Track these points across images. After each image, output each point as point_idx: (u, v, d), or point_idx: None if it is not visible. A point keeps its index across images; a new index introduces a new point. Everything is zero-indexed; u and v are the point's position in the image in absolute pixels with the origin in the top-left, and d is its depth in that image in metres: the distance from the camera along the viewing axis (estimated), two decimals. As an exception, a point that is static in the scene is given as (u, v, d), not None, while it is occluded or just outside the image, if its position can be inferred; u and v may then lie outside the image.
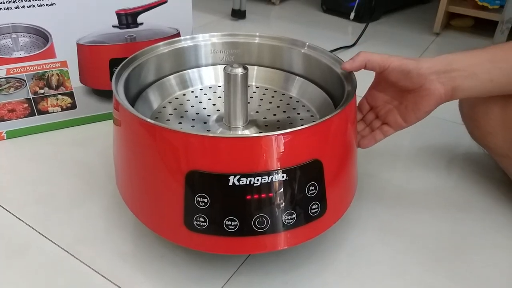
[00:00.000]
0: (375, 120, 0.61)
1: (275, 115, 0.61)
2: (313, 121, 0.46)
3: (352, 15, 1.31)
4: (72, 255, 0.54)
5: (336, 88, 0.58)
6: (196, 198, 0.45)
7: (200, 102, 0.63)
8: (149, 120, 0.45)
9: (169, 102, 0.63)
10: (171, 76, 0.64)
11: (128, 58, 0.58)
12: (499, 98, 0.58)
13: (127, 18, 0.72)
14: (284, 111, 0.61)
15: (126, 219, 0.58)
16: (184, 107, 0.62)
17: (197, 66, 0.66)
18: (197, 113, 0.60)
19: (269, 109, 0.62)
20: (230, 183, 0.44)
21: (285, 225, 0.47)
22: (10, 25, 0.65)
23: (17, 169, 0.68)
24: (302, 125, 0.57)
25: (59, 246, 0.55)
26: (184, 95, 0.64)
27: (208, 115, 0.60)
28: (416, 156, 0.73)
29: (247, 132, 0.56)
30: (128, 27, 0.73)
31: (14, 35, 0.66)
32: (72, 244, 0.55)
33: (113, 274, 0.51)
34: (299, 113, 0.61)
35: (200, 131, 0.53)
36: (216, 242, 0.47)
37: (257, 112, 0.61)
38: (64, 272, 0.52)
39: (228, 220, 0.45)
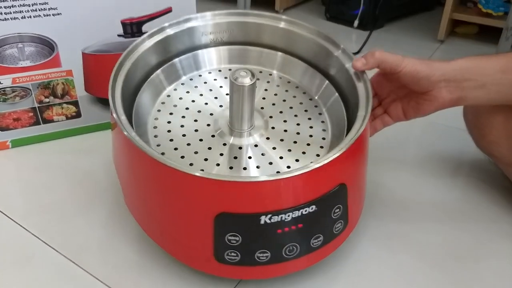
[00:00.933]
0: (378, 108, 0.60)
1: (285, 121, 0.58)
2: (339, 149, 0.45)
3: (356, 22, 1.31)
4: (76, 264, 0.53)
5: (353, 103, 0.55)
6: (227, 237, 0.45)
7: (201, 95, 0.61)
8: (177, 166, 0.43)
9: (168, 96, 0.60)
10: (178, 62, 0.62)
11: (115, 68, 0.54)
12: (502, 108, 0.57)
13: (132, 27, 0.73)
14: (296, 115, 0.59)
15: (131, 228, 0.58)
16: (184, 103, 0.59)
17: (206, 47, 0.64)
18: (199, 111, 0.58)
19: (281, 112, 0.59)
20: (262, 222, 0.44)
21: (312, 248, 0.47)
22: (16, 34, 0.66)
23: (21, 177, 0.68)
24: (310, 135, 0.56)
25: (63, 255, 0.55)
26: (182, 84, 0.62)
27: (210, 114, 0.58)
28: (422, 164, 0.73)
29: (251, 140, 0.55)
30: (133, 36, 0.73)
31: (20, 45, 0.67)
32: (76, 253, 0.55)
33: (118, 283, 0.51)
34: (310, 118, 0.59)
35: (228, 176, 0.50)
36: (247, 271, 0.47)
37: (261, 108, 0.59)
38: (68, 281, 0.51)
39: (260, 253, 0.46)
